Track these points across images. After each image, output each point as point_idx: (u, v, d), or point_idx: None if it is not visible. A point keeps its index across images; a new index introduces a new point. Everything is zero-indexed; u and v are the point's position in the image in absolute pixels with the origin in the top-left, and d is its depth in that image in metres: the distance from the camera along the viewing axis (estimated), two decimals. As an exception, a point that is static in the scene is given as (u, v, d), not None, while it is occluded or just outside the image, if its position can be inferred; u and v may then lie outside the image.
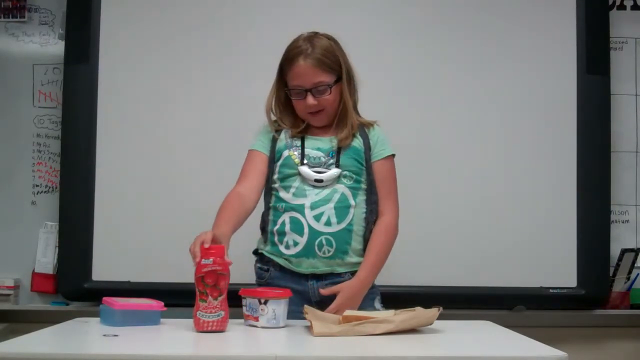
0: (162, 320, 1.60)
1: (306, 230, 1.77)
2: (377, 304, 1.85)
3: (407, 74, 2.64)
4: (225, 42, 2.62)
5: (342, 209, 1.79)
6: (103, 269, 2.55)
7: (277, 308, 1.55)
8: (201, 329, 1.48)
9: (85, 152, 2.57)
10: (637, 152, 2.75)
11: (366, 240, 1.83)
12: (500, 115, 2.64)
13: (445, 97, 2.63)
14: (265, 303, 1.54)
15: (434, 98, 2.63)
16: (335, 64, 1.81)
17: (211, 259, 1.49)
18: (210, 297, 1.48)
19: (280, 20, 2.59)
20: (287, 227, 1.79)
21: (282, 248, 1.80)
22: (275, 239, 1.81)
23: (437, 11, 2.65)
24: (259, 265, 1.86)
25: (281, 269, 1.81)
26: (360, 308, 1.77)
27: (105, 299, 1.61)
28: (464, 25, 2.65)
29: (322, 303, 1.77)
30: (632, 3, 2.78)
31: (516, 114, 2.64)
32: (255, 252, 1.89)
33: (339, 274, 1.80)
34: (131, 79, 2.61)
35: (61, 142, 2.62)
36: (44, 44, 2.70)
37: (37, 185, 2.67)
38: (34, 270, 2.62)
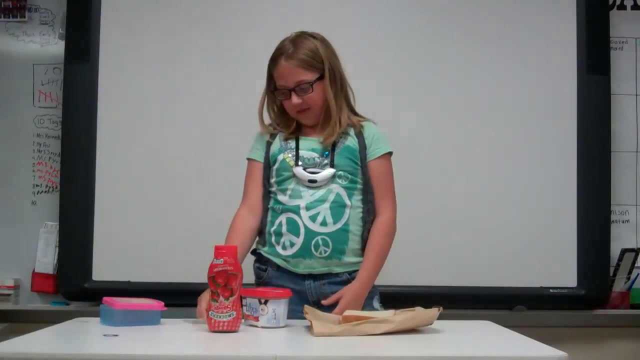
0: (162, 320, 1.60)
1: (302, 230, 1.77)
2: (376, 304, 1.85)
3: (407, 74, 2.64)
4: (226, 41, 2.62)
5: (337, 208, 1.79)
6: (103, 269, 2.55)
7: (277, 308, 1.55)
8: (213, 328, 1.48)
9: (85, 152, 2.57)
10: (637, 152, 2.75)
11: (364, 240, 1.83)
12: (500, 115, 2.64)
13: (445, 97, 2.63)
14: (265, 303, 1.54)
15: (433, 98, 2.63)
16: (317, 62, 1.81)
17: (222, 259, 1.48)
18: (221, 297, 1.47)
19: (282, 21, 2.59)
20: (284, 228, 1.79)
21: (279, 249, 1.81)
22: (272, 239, 1.82)
23: (436, 11, 2.65)
24: (257, 265, 1.87)
25: (278, 268, 1.81)
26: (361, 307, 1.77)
27: (105, 299, 1.61)
28: (464, 25, 2.65)
29: (320, 302, 1.78)
30: (632, 3, 2.78)
31: (516, 114, 2.64)
32: (254, 252, 1.89)
33: (337, 274, 1.80)
34: (131, 79, 2.61)
35: (61, 142, 2.62)
36: (44, 44, 2.70)
37: (37, 185, 2.67)
38: (34, 270, 2.62)
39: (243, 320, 1.54)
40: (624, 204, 2.73)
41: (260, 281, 1.84)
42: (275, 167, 1.85)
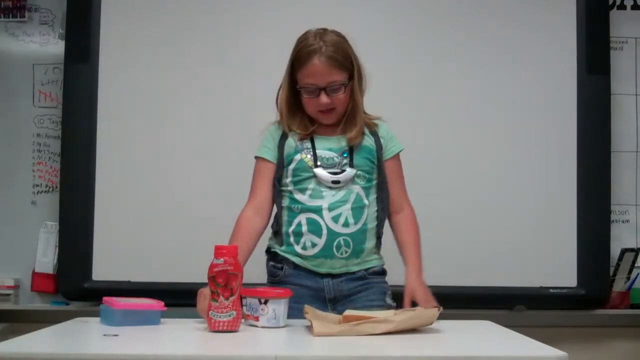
0: (162, 320, 1.60)
1: (324, 231, 1.76)
2: (389, 299, 1.86)
3: (407, 74, 2.64)
4: (227, 41, 2.63)
5: (357, 209, 1.79)
6: (103, 269, 2.55)
7: (277, 308, 1.54)
8: (213, 328, 1.48)
9: (85, 152, 2.57)
10: (637, 152, 2.76)
11: (379, 238, 1.83)
12: (500, 115, 2.64)
13: (445, 97, 2.63)
14: (265, 303, 1.54)
15: (433, 98, 2.63)
16: (347, 61, 1.79)
17: (222, 259, 1.48)
18: (221, 297, 1.47)
19: (282, 20, 2.60)
20: (304, 228, 1.78)
21: (298, 249, 1.79)
22: (291, 239, 1.80)
23: (437, 11, 2.65)
24: (272, 263, 1.85)
25: (295, 267, 1.80)
26: (374, 301, 1.78)
27: (105, 298, 1.61)
28: (464, 25, 2.65)
29: (336, 300, 1.79)
30: (632, 3, 2.78)
31: (516, 114, 2.64)
32: (268, 251, 1.88)
33: (354, 272, 1.81)
34: (131, 79, 2.61)
35: (61, 142, 2.62)
36: (44, 44, 2.70)
37: (37, 185, 2.67)
38: (34, 270, 2.62)
39: (243, 320, 1.54)
40: (624, 204, 2.73)
41: (276, 279, 1.83)
42: (291, 167, 1.81)
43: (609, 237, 2.64)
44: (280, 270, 1.82)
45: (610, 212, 2.66)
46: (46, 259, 2.61)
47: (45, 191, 2.67)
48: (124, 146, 2.59)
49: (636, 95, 2.77)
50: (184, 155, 2.59)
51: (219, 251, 1.49)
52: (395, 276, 1.89)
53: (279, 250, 1.83)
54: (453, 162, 2.61)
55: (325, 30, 1.82)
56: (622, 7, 2.78)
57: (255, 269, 1.80)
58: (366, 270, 1.82)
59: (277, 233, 1.84)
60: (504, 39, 2.65)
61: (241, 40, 2.62)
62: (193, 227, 2.54)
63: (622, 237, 2.71)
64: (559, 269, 2.59)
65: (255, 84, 2.57)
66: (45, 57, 2.70)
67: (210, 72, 2.61)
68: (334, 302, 1.79)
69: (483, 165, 2.62)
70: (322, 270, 1.79)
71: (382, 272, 1.88)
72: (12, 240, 2.63)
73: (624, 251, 2.67)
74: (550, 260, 2.59)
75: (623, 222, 2.73)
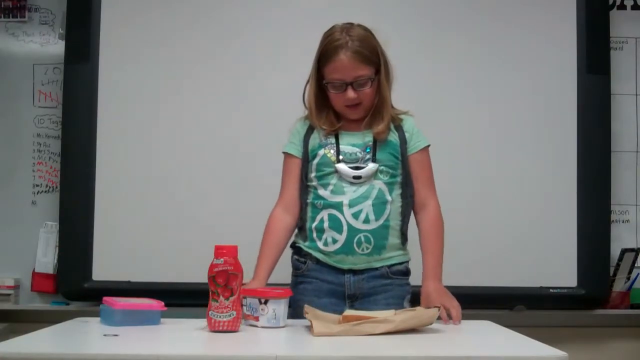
0: (162, 320, 1.60)
1: (345, 228, 1.77)
2: (407, 303, 1.85)
3: (407, 74, 2.61)
4: (226, 40, 2.62)
5: (379, 205, 1.78)
6: (103, 269, 2.55)
7: (277, 308, 1.54)
8: (213, 328, 1.48)
9: (85, 152, 2.57)
10: (637, 152, 2.75)
11: (404, 233, 1.83)
12: (500, 115, 2.64)
13: (445, 97, 2.63)
14: (265, 303, 1.54)
15: (432, 98, 2.62)
16: (374, 55, 1.80)
17: (222, 259, 1.48)
18: (221, 297, 1.47)
19: (282, 20, 2.60)
20: (326, 225, 1.79)
21: (320, 245, 1.80)
22: (314, 235, 1.81)
23: (437, 11, 2.65)
24: (296, 257, 1.86)
25: (318, 262, 1.81)
26: (391, 305, 1.76)
27: (105, 298, 1.61)
28: (464, 25, 2.65)
29: (355, 297, 1.80)
30: (632, 3, 2.78)
31: (516, 114, 2.64)
32: (293, 246, 1.89)
33: (376, 268, 1.80)
34: (131, 78, 2.61)
35: (61, 142, 2.62)
36: (44, 44, 2.70)
37: (37, 185, 2.67)
38: (34, 270, 2.62)
39: (243, 320, 1.54)
40: (624, 204, 2.73)
41: (299, 272, 1.84)
42: (315, 161, 1.82)
43: (609, 237, 2.63)
44: (304, 264, 1.83)
45: (610, 212, 2.66)
46: (46, 259, 2.61)
47: (45, 191, 2.67)
48: (124, 146, 2.59)
49: (636, 95, 2.77)
50: (184, 155, 2.59)
51: (219, 251, 1.49)
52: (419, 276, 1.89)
53: (303, 245, 1.84)
54: (452, 162, 2.60)
55: (351, 24, 1.83)
56: (622, 7, 2.78)
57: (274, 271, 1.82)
58: (389, 267, 1.81)
59: (301, 228, 1.85)
60: (504, 39, 2.65)
61: (241, 40, 2.61)
62: (193, 227, 2.54)
63: (622, 237, 2.71)
64: (559, 269, 2.59)
65: (255, 83, 2.57)
66: (45, 57, 2.70)
67: (210, 72, 2.61)
68: (353, 300, 1.79)
69: (482, 165, 2.62)
70: (345, 266, 1.80)
71: (406, 272, 1.86)
72: (12, 240, 2.63)
73: (624, 251, 2.67)
74: (550, 260, 2.59)
75: (623, 222, 2.73)
